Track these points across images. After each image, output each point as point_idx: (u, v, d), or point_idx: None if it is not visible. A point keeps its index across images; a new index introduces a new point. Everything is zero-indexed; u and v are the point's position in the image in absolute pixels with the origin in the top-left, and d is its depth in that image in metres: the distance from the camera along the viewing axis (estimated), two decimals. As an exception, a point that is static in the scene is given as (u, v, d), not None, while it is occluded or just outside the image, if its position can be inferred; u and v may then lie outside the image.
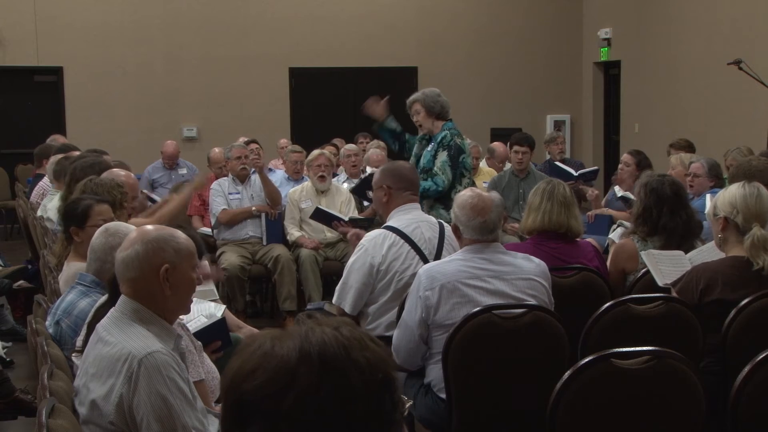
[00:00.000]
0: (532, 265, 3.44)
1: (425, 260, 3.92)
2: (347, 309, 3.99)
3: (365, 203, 7.02)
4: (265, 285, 7.25)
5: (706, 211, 3.80)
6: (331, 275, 6.56)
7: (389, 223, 4.07)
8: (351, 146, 8.04)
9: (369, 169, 7.44)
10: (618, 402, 2.69)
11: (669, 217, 4.08)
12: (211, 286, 4.20)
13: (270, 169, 8.27)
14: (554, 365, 3.12)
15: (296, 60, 12.16)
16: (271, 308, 7.17)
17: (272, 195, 6.82)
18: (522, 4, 12.81)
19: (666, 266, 3.79)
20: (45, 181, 6.78)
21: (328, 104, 12.20)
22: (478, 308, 3.20)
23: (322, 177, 6.82)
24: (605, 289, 3.93)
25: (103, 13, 11.55)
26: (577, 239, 4.14)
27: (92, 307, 2.99)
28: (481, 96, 12.57)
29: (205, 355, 3.09)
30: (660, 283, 3.70)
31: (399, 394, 1.31)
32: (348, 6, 12.29)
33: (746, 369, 2.72)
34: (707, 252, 3.79)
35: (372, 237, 4.01)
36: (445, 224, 4.16)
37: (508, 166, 7.68)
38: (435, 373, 3.36)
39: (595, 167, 9.27)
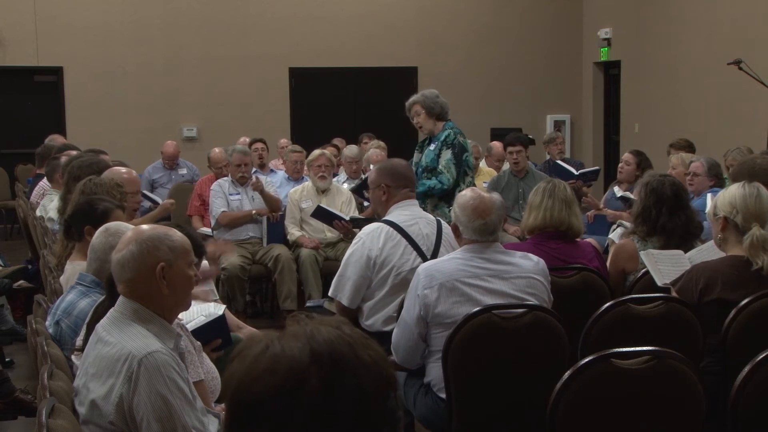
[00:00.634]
0: (530, 263, 3.44)
1: (423, 256, 3.95)
2: (345, 301, 4.00)
3: (366, 204, 7.02)
4: (265, 285, 7.24)
5: (707, 210, 3.80)
6: (331, 275, 6.49)
7: (387, 217, 4.10)
8: (353, 151, 7.92)
9: (372, 168, 7.42)
10: (618, 402, 2.69)
11: (668, 217, 4.08)
12: (211, 286, 4.20)
13: (272, 170, 8.26)
14: (554, 365, 3.12)
15: (296, 60, 12.16)
16: (271, 308, 7.16)
17: (272, 206, 6.81)
18: (522, 4, 12.81)
19: (665, 266, 3.79)
20: (45, 181, 6.78)
21: (328, 104, 12.20)
22: (478, 308, 3.20)
23: (322, 177, 6.83)
24: (605, 289, 3.93)
25: (103, 13, 11.56)
26: (577, 239, 4.14)
27: (92, 308, 2.99)
28: (481, 96, 12.57)
29: (204, 355, 3.09)
30: (659, 282, 3.70)
31: (399, 392, 1.31)
32: (348, 6, 12.29)
33: (746, 369, 2.72)
34: (707, 251, 3.79)
35: (369, 230, 4.04)
36: (443, 222, 4.19)
37: (506, 165, 7.68)
38: (435, 372, 3.36)
39: (596, 167, 9.27)
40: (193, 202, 7.51)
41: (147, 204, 6.47)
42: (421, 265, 3.48)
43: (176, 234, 2.59)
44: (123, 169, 4.87)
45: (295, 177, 7.62)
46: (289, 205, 6.88)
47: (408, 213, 4.09)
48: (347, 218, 6.41)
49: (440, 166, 5.44)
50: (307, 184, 6.97)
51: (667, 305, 3.37)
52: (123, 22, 11.65)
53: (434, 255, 3.95)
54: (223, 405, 3.02)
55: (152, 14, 11.75)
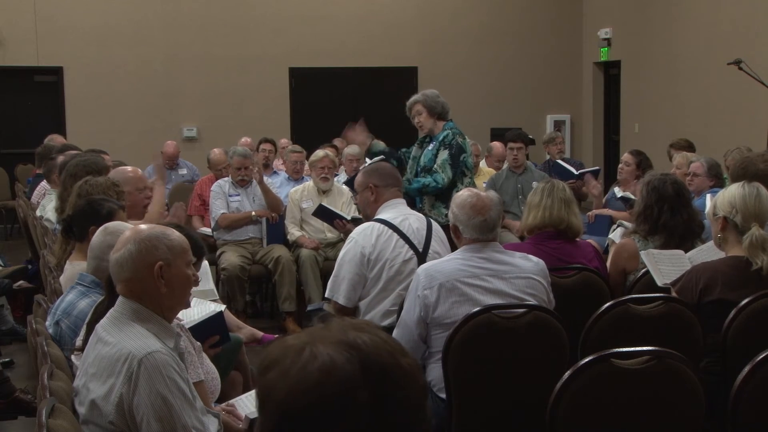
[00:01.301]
0: (530, 264, 3.45)
1: (414, 249, 4.01)
2: (341, 301, 4.02)
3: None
4: (265, 285, 7.25)
5: (707, 210, 3.80)
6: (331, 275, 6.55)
7: (378, 217, 4.16)
8: (354, 149, 7.89)
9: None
10: (618, 402, 2.69)
11: (669, 215, 4.08)
12: (210, 286, 4.21)
13: (275, 172, 8.24)
14: (554, 365, 3.12)
15: (296, 60, 12.17)
16: (271, 308, 7.17)
17: (273, 204, 6.82)
18: (522, 4, 12.81)
19: (665, 266, 3.79)
20: (46, 182, 6.78)
21: (328, 104, 12.19)
22: (477, 308, 3.20)
23: (325, 178, 6.83)
24: (605, 289, 3.93)
25: (103, 13, 11.56)
26: (577, 239, 4.14)
27: (91, 308, 2.99)
28: (481, 96, 12.57)
29: (204, 355, 3.09)
30: (659, 283, 3.70)
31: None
32: (348, 6, 12.29)
33: (746, 369, 2.71)
34: (707, 251, 3.79)
35: (361, 229, 4.11)
36: (433, 221, 4.28)
37: (506, 165, 7.70)
38: (435, 372, 3.36)
39: (597, 167, 9.27)
40: (193, 202, 7.51)
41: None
42: (421, 266, 3.50)
43: (174, 233, 2.60)
44: (128, 168, 4.90)
45: (295, 177, 7.62)
46: (290, 204, 6.88)
47: (397, 211, 4.17)
48: (349, 218, 6.41)
49: (436, 165, 5.46)
50: (308, 184, 6.97)
51: (667, 305, 3.37)
52: (123, 22, 11.65)
53: (425, 249, 4.03)
54: (222, 405, 3.03)
55: (152, 14, 11.76)
